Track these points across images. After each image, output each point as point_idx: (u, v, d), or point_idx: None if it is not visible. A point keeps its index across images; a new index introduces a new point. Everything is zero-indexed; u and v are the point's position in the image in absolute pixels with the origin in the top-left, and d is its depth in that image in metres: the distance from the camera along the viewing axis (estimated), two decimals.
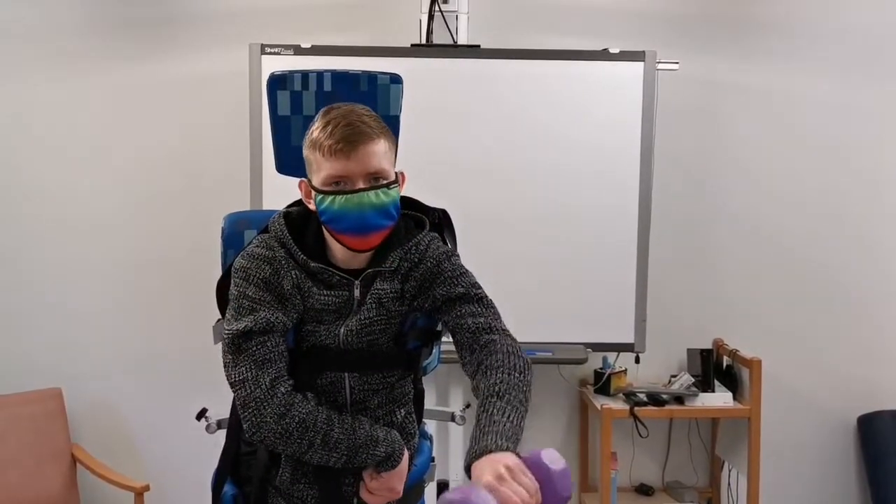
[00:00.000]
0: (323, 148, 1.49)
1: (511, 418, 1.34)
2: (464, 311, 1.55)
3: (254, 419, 1.47)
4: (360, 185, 1.49)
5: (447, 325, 1.58)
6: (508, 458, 1.23)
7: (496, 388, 1.40)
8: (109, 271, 3.39)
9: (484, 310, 1.56)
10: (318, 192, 1.51)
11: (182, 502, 3.36)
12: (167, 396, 3.38)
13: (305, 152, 1.55)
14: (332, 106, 1.55)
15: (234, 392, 1.51)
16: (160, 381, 3.40)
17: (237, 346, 1.50)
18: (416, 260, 1.60)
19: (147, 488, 3.02)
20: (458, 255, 1.65)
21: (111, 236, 3.38)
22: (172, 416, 3.35)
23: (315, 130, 1.52)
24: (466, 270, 1.62)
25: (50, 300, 3.38)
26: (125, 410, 3.43)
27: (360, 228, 1.50)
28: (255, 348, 1.49)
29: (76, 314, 3.39)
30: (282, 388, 1.48)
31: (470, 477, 1.27)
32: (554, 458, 1.25)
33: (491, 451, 1.25)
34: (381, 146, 1.50)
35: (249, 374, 1.48)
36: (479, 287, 1.60)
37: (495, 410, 1.35)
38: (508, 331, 1.56)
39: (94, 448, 3.31)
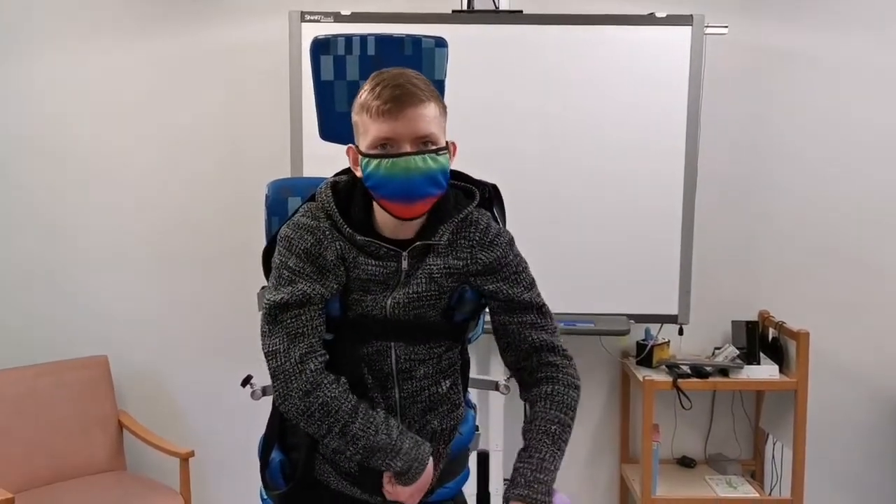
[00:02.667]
0: (370, 109, 1.45)
1: (555, 464, 1.50)
2: (525, 319, 1.58)
3: (280, 391, 1.48)
4: (408, 148, 1.45)
5: (504, 324, 1.59)
6: None
7: (552, 429, 1.52)
8: (154, 240, 3.42)
9: (546, 322, 1.59)
10: (364, 155, 1.48)
11: (225, 468, 3.41)
12: (210, 364, 3.42)
13: (354, 117, 1.51)
14: (381, 70, 1.51)
15: (266, 362, 1.51)
16: (204, 349, 3.44)
17: (273, 317, 1.49)
18: (478, 240, 1.57)
19: (192, 454, 3.06)
20: (514, 240, 1.63)
21: (155, 206, 3.41)
22: (216, 383, 3.39)
23: (364, 93, 1.48)
24: (526, 264, 1.62)
25: (95, 269, 3.42)
26: (169, 378, 3.48)
27: (406, 195, 1.45)
28: (289, 320, 1.48)
29: (121, 283, 3.43)
30: (311, 365, 1.48)
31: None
32: None
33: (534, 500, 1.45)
34: (430, 110, 1.46)
35: (282, 345, 1.48)
36: (536, 287, 1.61)
37: (547, 456, 1.50)
38: (566, 350, 1.60)
39: (140, 414, 3.36)
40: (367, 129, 1.47)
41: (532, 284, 1.60)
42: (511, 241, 1.61)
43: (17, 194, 3.39)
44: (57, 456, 3.13)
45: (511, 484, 1.48)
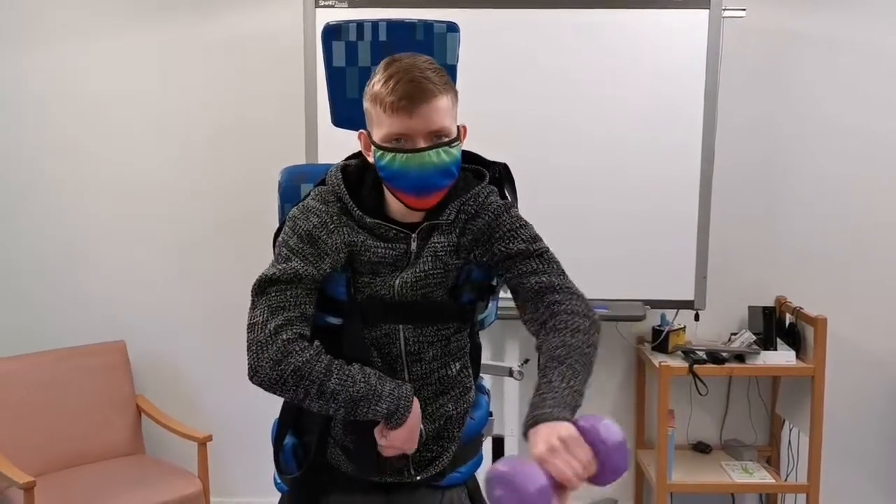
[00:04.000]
0: (385, 104, 1.45)
1: (571, 383, 1.32)
2: (525, 268, 1.50)
3: (252, 363, 1.47)
4: (422, 143, 1.46)
5: (508, 281, 1.54)
6: (563, 429, 1.20)
7: (557, 353, 1.37)
8: (169, 227, 3.45)
9: (546, 266, 1.51)
10: (379, 147, 1.49)
11: (243, 452, 3.44)
12: (227, 349, 3.42)
13: (366, 104, 1.51)
14: (394, 57, 1.50)
15: (246, 335, 1.49)
16: (220, 334, 3.46)
17: (261, 290, 1.50)
18: (473, 212, 1.57)
19: (210, 438, 3.09)
20: (516, 207, 1.61)
21: (171, 193, 3.43)
22: (233, 368, 3.38)
23: (376, 83, 1.47)
24: (526, 222, 1.57)
25: (112, 256, 3.46)
26: (187, 363, 3.51)
27: (421, 188, 1.47)
28: (274, 294, 1.48)
29: (138, 269, 3.46)
30: (284, 335, 1.46)
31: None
32: (611, 431, 1.22)
33: (546, 420, 1.23)
34: (444, 102, 1.46)
35: (261, 318, 1.48)
36: (540, 240, 1.55)
37: (555, 376, 1.33)
38: (574, 287, 1.50)
39: (158, 399, 3.40)
40: (381, 123, 1.47)
41: (534, 239, 1.54)
42: (506, 205, 1.58)
43: (35, 184, 3.42)
44: (76, 440, 3.17)
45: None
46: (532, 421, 1.25)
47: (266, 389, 1.49)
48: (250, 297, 1.51)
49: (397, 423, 1.52)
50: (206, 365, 3.50)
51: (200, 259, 3.46)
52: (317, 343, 1.51)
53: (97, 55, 3.37)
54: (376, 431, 1.54)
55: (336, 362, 1.49)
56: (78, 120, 3.40)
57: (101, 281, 3.46)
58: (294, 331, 1.48)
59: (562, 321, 1.42)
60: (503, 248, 1.53)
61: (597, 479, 1.23)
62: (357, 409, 1.49)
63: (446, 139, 1.47)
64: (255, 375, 1.48)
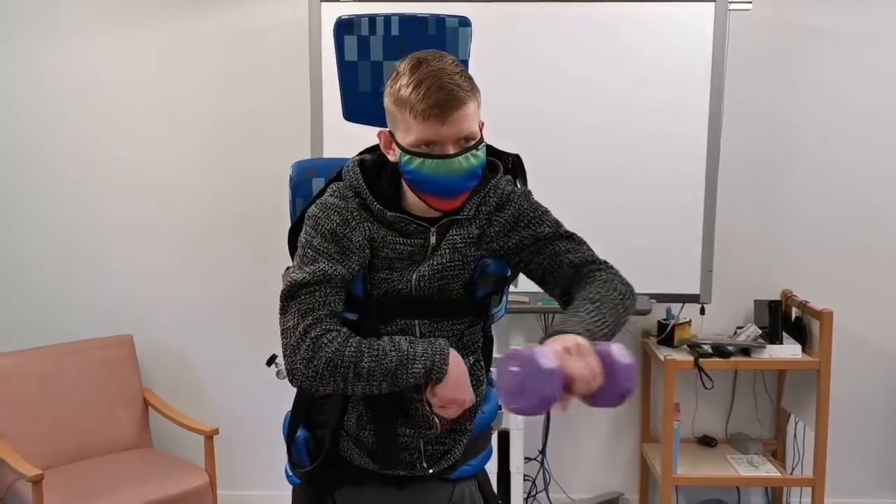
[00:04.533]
0: (415, 110, 1.44)
1: (595, 318, 1.39)
2: (558, 248, 1.56)
3: (288, 366, 1.48)
4: (451, 149, 1.46)
5: (540, 265, 1.57)
6: (580, 339, 1.30)
7: (591, 296, 1.46)
8: (176, 221, 3.46)
9: (578, 245, 1.57)
10: (406, 152, 1.48)
11: (250, 445, 3.45)
12: (234, 343, 3.45)
13: (390, 106, 1.50)
14: (419, 58, 1.48)
15: (281, 340, 1.51)
16: (228, 328, 3.47)
17: (291, 295, 1.50)
18: (496, 204, 1.58)
19: (216, 432, 3.10)
20: (531, 192, 1.64)
21: (177, 187, 3.44)
22: (240, 362, 3.43)
23: (403, 87, 1.46)
24: (546, 209, 1.62)
25: (120, 250, 3.46)
26: (194, 356, 3.52)
27: (449, 192, 1.49)
28: (304, 297, 1.49)
29: (145, 263, 3.47)
30: (313, 333, 1.46)
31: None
32: (622, 353, 1.31)
33: (564, 333, 1.32)
34: (472, 108, 1.47)
35: (292, 322, 1.48)
36: (563, 225, 1.60)
37: (583, 309, 1.41)
38: (609, 264, 1.57)
39: (165, 393, 3.40)
40: (409, 128, 1.46)
41: (557, 223, 1.60)
42: (526, 193, 1.63)
43: (42, 178, 3.43)
44: (84, 433, 3.18)
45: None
46: (551, 332, 1.34)
47: (309, 389, 1.50)
48: (279, 302, 1.51)
49: (438, 377, 1.50)
50: (213, 358, 3.51)
51: (207, 253, 3.46)
52: (344, 330, 1.51)
53: (103, 51, 3.37)
54: (427, 394, 1.53)
55: (365, 342, 1.49)
56: (85, 115, 3.40)
57: (109, 275, 3.47)
58: (322, 327, 1.48)
59: (600, 280, 1.51)
60: (531, 233, 1.57)
61: (602, 397, 1.31)
62: (397, 379, 1.48)
63: (473, 142, 1.48)
64: (294, 378, 1.49)
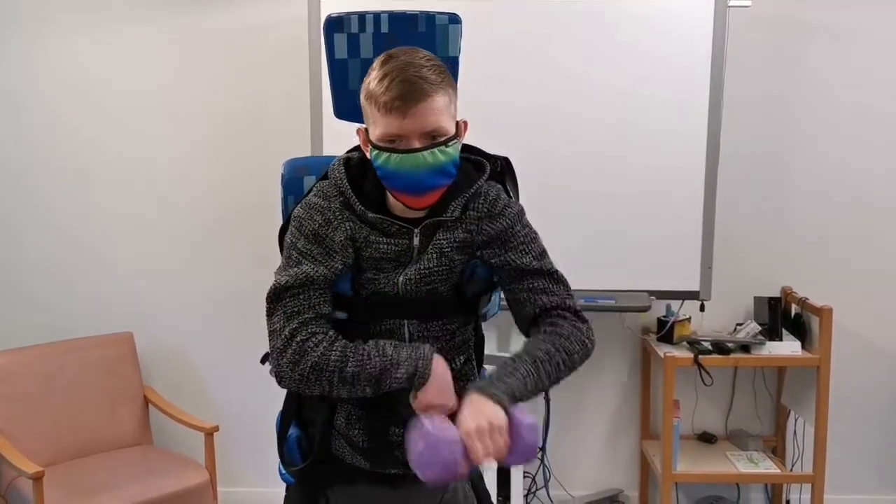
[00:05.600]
0: (378, 103, 1.44)
1: (527, 382, 1.44)
2: (536, 285, 1.55)
3: (275, 370, 1.49)
4: (417, 143, 1.44)
5: (514, 293, 1.57)
6: (497, 415, 1.36)
7: (537, 353, 1.48)
8: (176, 218, 3.46)
9: (557, 288, 1.57)
10: (374, 147, 1.48)
11: (250, 443, 3.46)
12: (235, 340, 3.46)
13: (362, 100, 1.50)
14: (390, 53, 1.48)
15: (268, 343, 1.52)
16: (227, 326, 3.48)
17: (276, 297, 1.51)
18: (487, 211, 1.57)
19: (216, 429, 3.11)
20: (524, 211, 1.62)
21: (176, 185, 3.44)
22: (240, 360, 3.42)
23: (372, 80, 1.46)
24: (536, 235, 1.60)
25: (120, 248, 3.47)
26: (193, 354, 3.53)
27: (416, 188, 1.46)
28: (288, 300, 1.49)
29: (145, 261, 3.47)
30: (299, 337, 1.47)
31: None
32: (531, 430, 1.39)
33: (489, 397, 1.38)
34: (439, 101, 1.44)
35: (278, 324, 1.49)
36: (547, 256, 1.59)
37: (520, 366, 1.45)
38: (580, 311, 1.57)
39: (165, 390, 3.42)
40: (376, 122, 1.46)
41: (542, 254, 1.58)
42: (520, 213, 1.60)
43: (42, 176, 3.44)
44: (84, 430, 3.19)
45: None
46: (478, 389, 1.40)
47: (297, 391, 1.52)
48: (266, 304, 1.52)
49: (420, 382, 1.49)
50: (213, 356, 3.52)
51: (207, 250, 3.47)
52: (330, 333, 1.51)
53: (102, 49, 3.37)
54: (410, 397, 1.52)
55: (350, 346, 1.49)
56: (84, 113, 3.40)
57: (109, 272, 3.48)
58: (308, 330, 1.49)
59: (557, 331, 1.52)
60: (515, 260, 1.56)
61: (510, 459, 1.40)
62: (381, 383, 1.48)
63: (442, 138, 1.46)
64: (282, 381, 1.50)
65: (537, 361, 1.46)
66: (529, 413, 1.41)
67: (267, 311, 1.52)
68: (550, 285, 1.56)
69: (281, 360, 1.48)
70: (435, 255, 1.54)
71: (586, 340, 1.54)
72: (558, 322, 1.53)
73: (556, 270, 1.58)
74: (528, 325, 1.58)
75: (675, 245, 3.10)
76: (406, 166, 1.45)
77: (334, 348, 1.48)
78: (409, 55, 1.47)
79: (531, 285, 1.55)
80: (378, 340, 1.52)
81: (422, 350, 1.50)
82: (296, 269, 1.51)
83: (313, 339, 1.48)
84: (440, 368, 1.51)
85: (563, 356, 1.50)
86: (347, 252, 1.53)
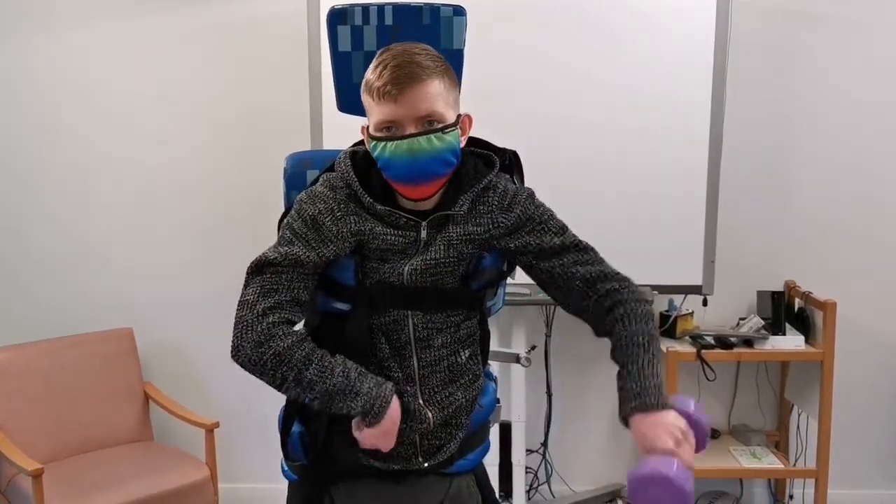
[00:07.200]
0: (373, 91, 1.43)
1: (658, 372, 1.44)
2: (566, 260, 1.55)
3: (235, 341, 1.47)
4: (411, 129, 1.43)
5: (547, 272, 1.56)
6: (677, 420, 1.37)
7: (639, 339, 1.47)
8: (176, 215, 3.45)
9: (589, 256, 1.56)
10: (371, 137, 1.47)
11: (250, 438, 3.45)
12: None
13: (362, 95, 1.50)
14: (389, 46, 1.48)
15: (235, 311, 1.49)
16: (227, 322, 3.41)
17: (257, 269, 1.49)
18: (498, 204, 1.55)
19: (217, 425, 3.10)
20: (534, 193, 1.61)
21: (176, 180, 3.43)
22: None
23: (368, 72, 1.46)
24: (552, 212, 1.59)
25: (120, 243, 3.45)
26: (194, 350, 3.51)
27: (412, 176, 1.44)
28: (269, 275, 1.48)
29: (145, 257, 3.46)
30: (271, 318, 1.45)
31: (627, 425, 1.41)
32: (697, 410, 1.43)
33: (654, 409, 1.38)
34: (434, 87, 1.43)
35: (251, 297, 1.47)
36: (567, 229, 1.58)
37: (645, 363, 1.44)
38: (619, 273, 1.57)
39: (165, 386, 3.40)
40: (372, 111, 1.46)
41: (563, 229, 1.58)
42: (531, 195, 1.60)
43: (42, 173, 3.42)
44: (84, 427, 3.18)
45: (621, 403, 1.45)
46: (639, 407, 1.39)
47: (246, 370, 1.48)
48: (245, 275, 1.51)
49: (372, 421, 1.48)
50: (214, 352, 3.49)
51: (207, 246, 3.45)
52: (302, 330, 1.49)
53: (101, 44, 3.35)
54: (353, 423, 1.51)
55: (318, 352, 1.47)
56: (83, 109, 3.39)
57: (109, 268, 3.46)
58: (281, 315, 1.47)
59: (632, 310, 1.51)
60: (536, 241, 1.55)
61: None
62: (332, 402, 1.46)
63: (439, 125, 1.44)
64: (237, 354, 1.48)
65: (646, 346, 1.47)
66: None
67: (245, 281, 1.50)
68: (582, 256, 1.56)
69: (245, 334, 1.46)
70: (443, 247, 1.53)
71: (647, 298, 1.56)
72: (616, 296, 1.53)
73: (581, 241, 1.58)
74: (579, 300, 1.56)
75: (678, 239, 3.08)
76: (400, 152, 1.43)
77: (302, 347, 1.46)
78: (405, 45, 1.47)
79: (562, 261, 1.55)
80: (346, 360, 1.49)
81: (384, 389, 1.49)
82: (286, 248, 1.49)
83: (284, 328, 1.46)
84: (394, 414, 1.50)
85: (651, 325, 1.51)
86: (343, 244, 1.51)
